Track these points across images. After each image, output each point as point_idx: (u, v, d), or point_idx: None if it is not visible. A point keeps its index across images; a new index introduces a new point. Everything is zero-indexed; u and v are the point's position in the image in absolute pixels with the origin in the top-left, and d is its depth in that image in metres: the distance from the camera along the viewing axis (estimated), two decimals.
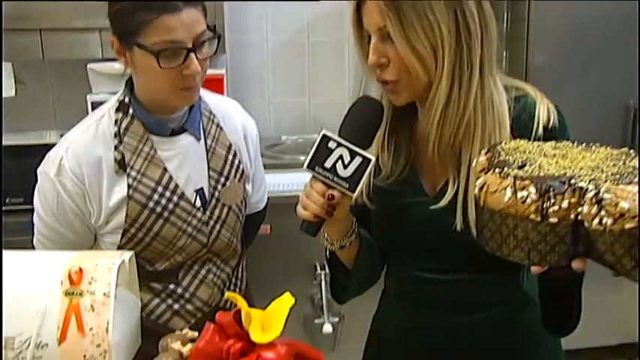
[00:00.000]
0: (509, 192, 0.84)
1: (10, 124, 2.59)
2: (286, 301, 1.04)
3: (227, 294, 1.04)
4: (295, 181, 2.41)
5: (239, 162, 1.49)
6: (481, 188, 0.89)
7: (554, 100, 1.14)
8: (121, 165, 1.34)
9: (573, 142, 0.95)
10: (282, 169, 2.50)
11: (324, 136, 1.04)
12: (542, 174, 0.84)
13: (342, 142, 1.04)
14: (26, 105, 2.66)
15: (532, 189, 0.83)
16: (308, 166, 1.05)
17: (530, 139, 1.01)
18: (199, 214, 1.41)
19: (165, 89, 1.30)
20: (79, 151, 1.34)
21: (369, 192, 1.20)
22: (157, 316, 1.41)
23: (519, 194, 0.83)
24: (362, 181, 1.04)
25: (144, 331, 1.24)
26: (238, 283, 1.52)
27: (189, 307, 1.42)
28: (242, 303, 1.02)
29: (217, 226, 1.43)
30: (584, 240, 0.82)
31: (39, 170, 1.37)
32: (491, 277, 1.13)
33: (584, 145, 0.94)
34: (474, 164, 0.95)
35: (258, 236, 1.75)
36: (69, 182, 1.33)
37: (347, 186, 1.04)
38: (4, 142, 2.41)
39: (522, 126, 1.09)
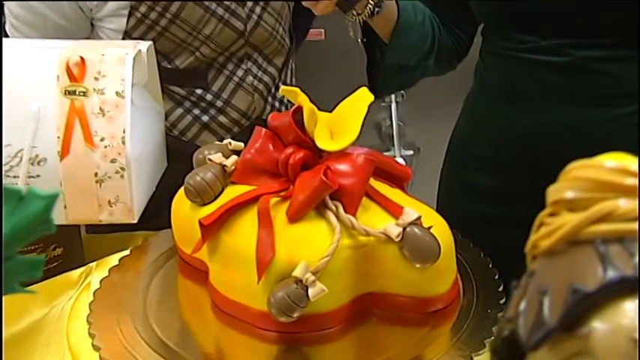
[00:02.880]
0: None
1: None
2: (362, 97, 0.78)
3: (281, 88, 0.77)
4: None
5: None
6: None
7: None
8: None
9: None
10: None
11: None
12: None
13: None
14: None
15: None
16: None
17: None
18: None
19: None
20: None
21: None
22: (180, 130, 1.13)
23: None
24: None
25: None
26: None
27: (222, 118, 1.13)
28: (303, 98, 0.75)
29: (257, 9, 1.11)
30: None
31: None
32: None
33: None
34: None
35: (309, 43, 1.44)
36: None
37: None
38: None
39: None
